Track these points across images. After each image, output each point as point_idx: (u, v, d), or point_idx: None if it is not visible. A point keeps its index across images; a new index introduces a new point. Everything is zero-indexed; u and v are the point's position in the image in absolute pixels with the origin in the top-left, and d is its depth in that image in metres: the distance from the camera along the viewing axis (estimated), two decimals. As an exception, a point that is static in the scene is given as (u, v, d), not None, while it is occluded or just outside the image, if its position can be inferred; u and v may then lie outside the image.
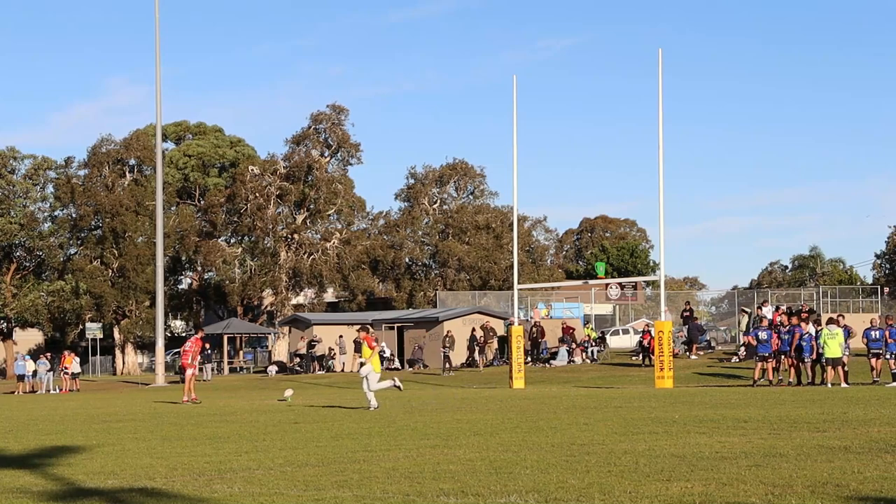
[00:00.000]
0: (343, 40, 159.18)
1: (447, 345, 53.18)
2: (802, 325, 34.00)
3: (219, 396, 37.85)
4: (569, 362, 49.88)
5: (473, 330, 53.58)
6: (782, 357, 34.11)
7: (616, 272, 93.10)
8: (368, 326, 28.70)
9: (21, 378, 55.19)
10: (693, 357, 45.80)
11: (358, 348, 59.13)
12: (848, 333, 33.44)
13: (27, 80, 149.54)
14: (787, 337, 33.77)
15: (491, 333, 53.55)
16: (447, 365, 50.75)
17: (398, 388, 25.78)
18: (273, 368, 60.11)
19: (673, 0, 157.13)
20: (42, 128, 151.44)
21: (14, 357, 65.64)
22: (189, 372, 32.21)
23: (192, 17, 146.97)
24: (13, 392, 53.62)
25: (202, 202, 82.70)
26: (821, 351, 32.54)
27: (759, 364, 34.45)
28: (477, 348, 52.69)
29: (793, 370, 33.87)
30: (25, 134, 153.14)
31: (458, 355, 55.30)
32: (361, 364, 25.71)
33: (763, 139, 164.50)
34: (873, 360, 33.04)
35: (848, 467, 10.97)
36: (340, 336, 58.90)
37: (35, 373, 55.18)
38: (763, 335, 34.23)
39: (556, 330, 53.23)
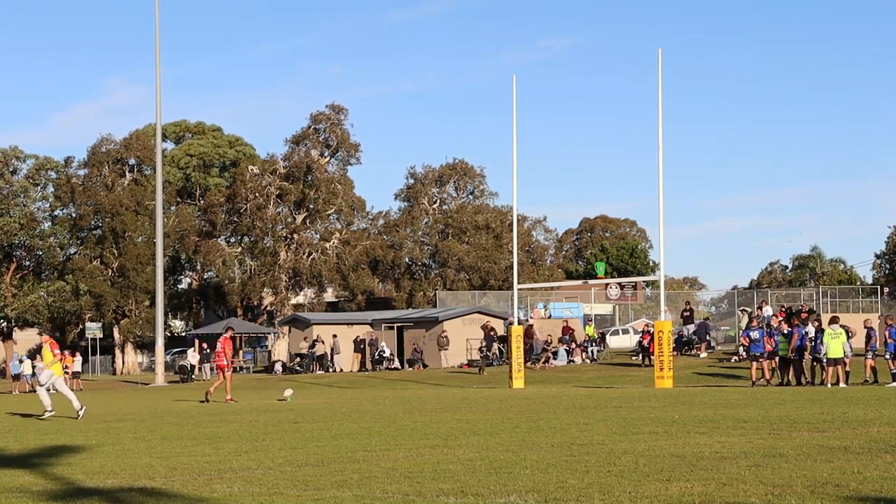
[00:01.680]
0: (343, 40, 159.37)
1: (454, 344, 52.38)
2: (803, 325, 34.02)
3: (218, 396, 37.82)
4: (568, 362, 49.88)
5: (491, 331, 53.33)
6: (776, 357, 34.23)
7: (616, 272, 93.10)
8: (50, 333, 28.30)
9: (16, 378, 54.99)
10: (703, 355, 46.14)
11: (357, 348, 59.18)
12: (848, 334, 33.46)
13: (27, 80, 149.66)
14: (779, 337, 33.85)
15: (492, 333, 53.50)
16: (484, 363, 49.68)
17: (50, 411, 24.55)
18: (279, 366, 60.00)
19: (673, 0, 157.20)
20: (42, 128, 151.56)
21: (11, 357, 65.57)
22: (227, 372, 32.32)
23: (192, 17, 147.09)
24: (10, 392, 53.43)
25: (202, 202, 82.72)
26: (821, 351, 32.52)
27: (755, 364, 34.49)
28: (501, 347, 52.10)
29: (791, 371, 33.89)
30: (26, 134, 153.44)
31: (457, 356, 55.26)
32: (41, 371, 25.39)
33: (763, 139, 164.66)
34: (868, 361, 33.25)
35: (848, 467, 10.97)
36: (335, 336, 58.66)
37: (34, 373, 55.12)
38: (755, 334, 34.29)
39: (555, 330, 53.22)
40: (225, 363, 32.25)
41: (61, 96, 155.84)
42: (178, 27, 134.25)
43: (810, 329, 33.59)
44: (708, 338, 49.57)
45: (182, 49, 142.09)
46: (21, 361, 56.55)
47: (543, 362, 49.51)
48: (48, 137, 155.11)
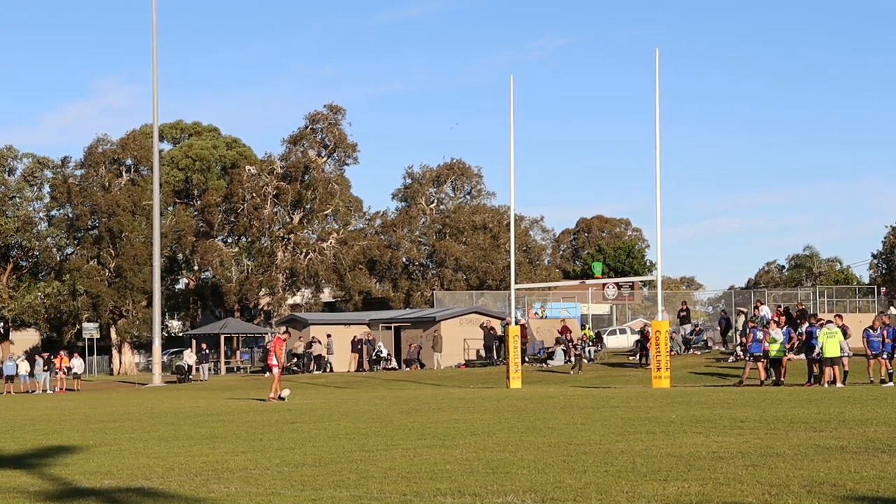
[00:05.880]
0: (341, 40, 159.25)
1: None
2: (816, 325, 33.99)
3: (216, 396, 37.85)
4: (566, 362, 49.84)
5: (491, 330, 53.15)
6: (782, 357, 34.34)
7: (613, 272, 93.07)
8: None
9: (9, 379, 54.72)
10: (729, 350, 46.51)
11: (354, 348, 58.97)
12: (845, 334, 33.43)
13: (21, 80, 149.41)
14: (781, 338, 33.96)
15: (492, 332, 53.47)
16: (576, 362, 48.21)
17: None
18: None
19: (670, 0, 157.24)
20: (36, 128, 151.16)
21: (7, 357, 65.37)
22: (275, 371, 32.30)
23: (187, 18, 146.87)
24: (1, 392, 53.11)
25: (199, 202, 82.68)
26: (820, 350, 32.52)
27: (759, 364, 34.50)
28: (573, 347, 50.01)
29: (784, 370, 34.00)
30: (20, 135, 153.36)
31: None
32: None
33: (760, 139, 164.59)
34: (873, 361, 33.17)
35: (844, 467, 10.98)
36: (329, 336, 58.49)
37: (32, 373, 55.03)
38: (760, 335, 34.31)
39: (552, 330, 53.18)
40: (274, 362, 32.23)
41: (55, 96, 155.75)
42: (174, 27, 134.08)
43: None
44: (702, 339, 49.72)
45: (178, 49, 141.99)
46: (19, 359, 56.47)
47: (543, 362, 49.47)
48: (42, 138, 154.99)
